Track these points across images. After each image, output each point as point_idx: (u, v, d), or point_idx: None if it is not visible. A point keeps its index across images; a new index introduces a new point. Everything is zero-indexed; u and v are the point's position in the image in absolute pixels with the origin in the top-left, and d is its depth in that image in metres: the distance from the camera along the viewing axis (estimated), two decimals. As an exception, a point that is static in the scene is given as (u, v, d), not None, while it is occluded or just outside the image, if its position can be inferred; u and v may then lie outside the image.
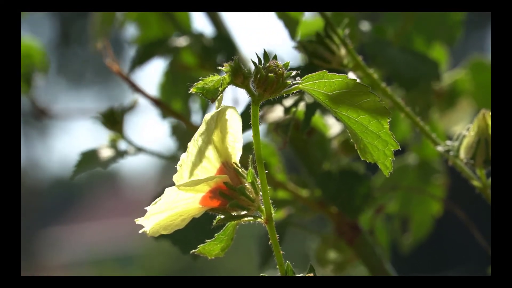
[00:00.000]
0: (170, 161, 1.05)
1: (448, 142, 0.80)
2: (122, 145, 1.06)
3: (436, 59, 1.02)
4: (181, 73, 1.17)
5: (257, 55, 0.66)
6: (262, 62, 0.67)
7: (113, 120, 1.06)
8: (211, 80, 0.66)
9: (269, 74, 0.65)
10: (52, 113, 1.28)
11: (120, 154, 1.04)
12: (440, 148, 0.79)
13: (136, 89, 1.02)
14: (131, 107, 1.07)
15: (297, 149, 1.05)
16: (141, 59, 1.12)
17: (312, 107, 0.82)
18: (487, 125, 0.77)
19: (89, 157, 1.04)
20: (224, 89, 0.66)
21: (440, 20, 1.13)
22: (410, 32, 1.13)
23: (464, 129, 0.79)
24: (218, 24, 1.18)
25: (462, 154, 0.79)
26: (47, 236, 7.41)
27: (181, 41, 1.12)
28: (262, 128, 1.07)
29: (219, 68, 0.66)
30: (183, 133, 1.06)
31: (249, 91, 0.67)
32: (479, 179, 0.79)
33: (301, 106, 0.85)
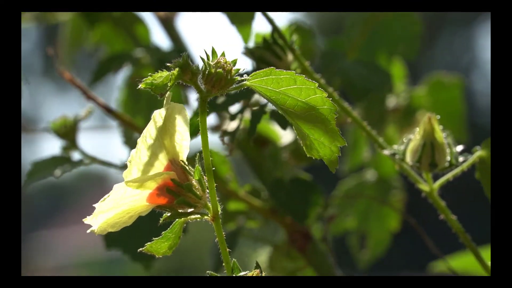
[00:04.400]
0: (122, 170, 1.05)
1: (395, 146, 0.81)
2: (76, 155, 1.06)
3: (390, 72, 1.04)
4: (141, 90, 1.17)
5: (205, 52, 0.67)
6: (211, 58, 0.67)
7: (65, 129, 1.05)
8: (160, 76, 0.66)
9: (218, 70, 0.66)
10: (26, 128, 1.29)
11: (72, 164, 1.03)
12: (386, 152, 0.80)
13: (89, 97, 1.01)
14: (85, 116, 1.07)
15: (249, 158, 1.05)
16: (99, 73, 1.13)
17: (258, 114, 0.83)
18: (432, 128, 0.78)
19: (41, 167, 1.03)
20: (172, 85, 0.66)
21: (398, 33, 1.15)
22: (369, 47, 1.15)
23: (411, 134, 0.80)
24: (174, 38, 1.19)
25: (408, 157, 0.80)
26: (36, 240, 7.32)
27: (137, 55, 1.13)
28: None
29: (168, 64, 0.67)
30: (136, 141, 1.06)
31: (197, 87, 0.67)
32: (426, 183, 0.80)
33: (247, 113, 0.86)
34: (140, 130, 1.02)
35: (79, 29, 1.26)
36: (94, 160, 1.04)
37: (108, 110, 1.03)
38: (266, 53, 0.85)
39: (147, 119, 1.15)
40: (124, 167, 1.06)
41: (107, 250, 1.01)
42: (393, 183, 1.22)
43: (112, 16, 1.18)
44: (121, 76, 1.19)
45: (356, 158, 1.25)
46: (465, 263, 1.14)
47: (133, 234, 0.97)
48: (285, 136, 1.03)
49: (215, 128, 1.07)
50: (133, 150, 0.69)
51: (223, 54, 0.67)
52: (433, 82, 1.26)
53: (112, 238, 1.00)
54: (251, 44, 0.90)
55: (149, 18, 1.21)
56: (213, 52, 0.67)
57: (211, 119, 1.10)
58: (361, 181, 1.25)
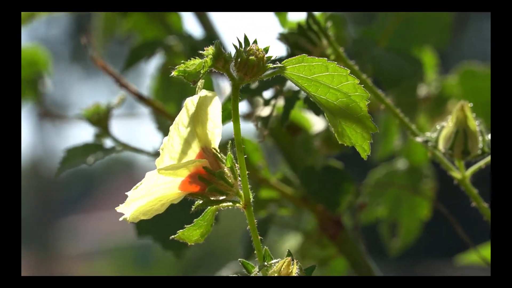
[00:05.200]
0: (155, 158, 1.05)
1: (428, 134, 0.80)
2: (108, 142, 1.06)
3: (422, 60, 1.03)
4: (173, 77, 1.18)
5: (237, 39, 0.67)
6: (243, 46, 0.67)
7: (98, 116, 1.06)
8: (193, 63, 0.66)
9: (250, 57, 0.66)
10: (57, 115, 1.31)
11: (105, 151, 1.04)
12: (419, 139, 0.80)
13: (121, 85, 1.02)
14: (118, 103, 1.07)
15: (281, 146, 1.05)
16: (131, 60, 1.13)
17: (291, 100, 0.83)
18: (465, 116, 0.78)
19: (74, 154, 1.04)
20: (205, 72, 0.66)
21: (430, 24, 1.14)
22: (400, 37, 1.15)
23: (443, 121, 0.80)
24: (207, 26, 1.19)
25: (441, 145, 0.79)
26: (65, 226, 7.40)
27: (170, 42, 1.13)
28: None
29: (200, 52, 0.67)
30: (168, 127, 1.07)
31: (229, 75, 0.67)
32: (458, 170, 0.80)
33: (280, 100, 0.86)
34: (172, 117, 1.03)
35: (112, 17, 1.27)
36: (126, 147, 1.04)
37: (140, 97, 1.04)
38: (300, 39, 0.85)
39: (179, 107, 1.17)
40: (156, 154, 1.06)
41: (138, 238, 1.02)
42: (424, 172, 1.22)
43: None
44: (152, 64, 1.20)
45: (387, 147, 1.24)
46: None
47: (164, 222, 0.97)
48: (317, 124, 1.03)
49: (247, 116, 1.07)
50: (166, 138, 0.69)
51: (255, 42, 0.67)
52: (464, 71, 1.25)
53: (143, 226, 1.01)
54: (285, 30, 0.90)
55: (182, 6, 1.21)
56: (246, 39, 0.67)
57: (243, 106, 1.10)
58: (392, 169, 1.24)
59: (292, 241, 1.09)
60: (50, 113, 1.26)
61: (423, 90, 1.22)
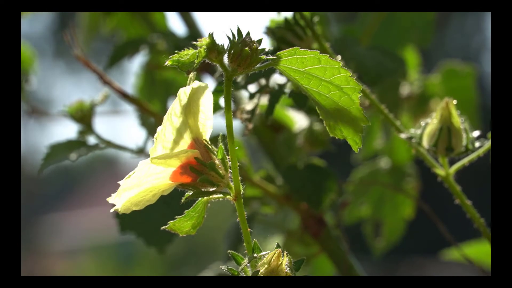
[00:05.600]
0: (138, 155, 1.05)
1: (412, 130, 0.81)
2: (91, 139, 1.06)
3: (404, 58, 1.04)
4: (157, 75, 1.19)
5: (231, 31, 0.68)
6: (236, 37, 0.68)
7: (82, 113, 1.06)
8: (186, 53, 0.67)
9: (244, 48, 0.67)
10: (43, 112, 1.32)
11: (88, 147, 1.04)
12: (403, 136, 0.81)
13: (104, 82, 1.02)
14: (101, 100, 1.07)
15: (264, 144, 1.06)
16: (115, 57, 1.13)
17: (276, 94, 0.84)
18: (449, 113, 0.79)
19: (57, 150, 1.04)
20: (199, 62, 0.67)
21: (412, 21, 1.15)
22: (382, 35, 1.16)
23: (428, 118, 0.81)
24: (190, 24, 1.20)
25: (425, 141, 0.80)
26: (47, 223, 7.32)
27: (153, 40, 1.14)
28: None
29: (194, 43, 0.68)
30: (152, 124, 1.07)
31: (222, 66, 0.68)
32: (442, 167, 0.81)
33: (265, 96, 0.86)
34: (155, 115, 1.03)
35: (96, 14, 1.27)
36: (109, 144, 1.04)
37: (124, 95, 1.04)
38: (287, 33, 0.86)
39: (164, 105, 1.17)
40: (139, 151, 1.07)
41: (121, 234, 1.02)
42: (407, 171, 1.23)
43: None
44: (136, 62, 1.20)
45: (370, 146, 1.26)
46: (479, 251, 1.15)
47: (147, 218, 0.97)
48: (300, 122, 1.04)
49: (238, 112, 1.08)
50: (160, 127, 0.69)
51: (248, 34, 0.68)
52: (446, 70, 1.27)
53: (126, 222, 1.01)
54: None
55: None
56: (239, 31, 0.68)
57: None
58: (375, 168, 1.25)
59: (275, 241, 1.10)
60: (37, 110, 1.26)
61: (405, 89, 1.24)
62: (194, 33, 1.15)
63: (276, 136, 1.06)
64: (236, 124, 1.11)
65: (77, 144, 1.04)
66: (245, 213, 1.05)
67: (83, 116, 1.06)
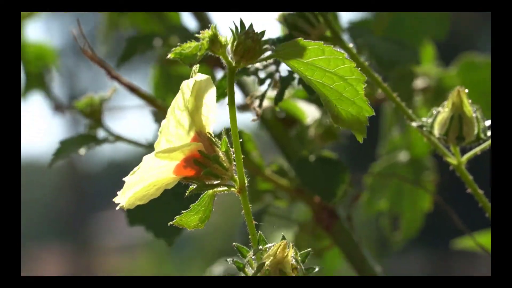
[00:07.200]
0: (148, 150, 1.05)
1: (424, 119, 0.80)
2: (101, 133, 1.07)
3: (418, 48, 1.03)
4: (173, 70, 1.19)
5: (234, 23, 0.67)
6: (239, 29, 0.67)
7: (91, 108, 1.06)
8: (189, 46, 0.66)
9: (247, 40, 0.66)
10: (67, 107, 1.34)
11: (97, 141, 1.04)
12: (414, 124, 0.80)
13: (111, 76, 1.02)
14: (110, 95, 1.07)
15: (276, 137, 1.05)
16: (126, 53, 1.13)
17: (286, 79, 0.83)
18: (461, 101, 0.78)
19: (68, 145, 1.04)
20: (201, 55, 0.66)
21: (426, 14, 1.13)
22: (395, 28, 1.15)
23: (440, 106, 0.80)
24: (204, 20, 1.19)
25: (436, 130, 0.79)
26: (102, 219, 7.39)
27: (165, 35, 1.13)
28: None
29: (197, 35, 0.67)
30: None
31: (225, 59, 0.67)
32: (454, 156, 0.80)
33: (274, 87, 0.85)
34: (165, 109, 1.02)
35: (114, 13, 1.27)
36: (119, 138, 1.04)
37: (132, 89, 1.03)
38: (299, 20, 0.85)
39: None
40: (149, 146, 1.06)
41: (130, 227, 1.01)
42: (426, 164, 1.22)
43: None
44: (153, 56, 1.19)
45: (391, 140, 1.24)
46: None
47: (155, 211, 0.97)
48: (311, 115, 1.03)
49: (242, 107, 1.07)
50: (164, 121, 0.69)
51: (251, 25, 0.67)
52: (464, 63, 1.25)
53: (134, 215, 1.00)
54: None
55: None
56: (242, 23, 0.67)
57: (238, 98, 1.10)
58: (393, 162, 1.24)
59: (288, 234, 1.09)
60: (62, 106, 1.28)
61: (421, 82, 1.22)
62: (205, 27, 1.14)
63: (288, 129, 1.05)
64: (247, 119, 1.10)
65: (87, 139, 1.04)
66: (257, 206, 1.05)
67: (93, 111, 1.06)
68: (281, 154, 1.06)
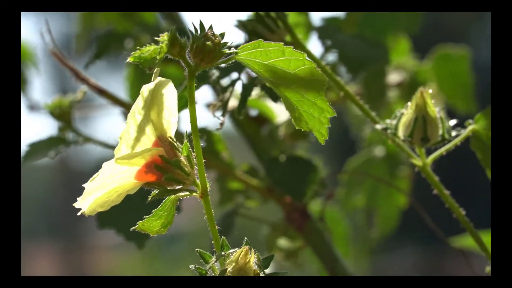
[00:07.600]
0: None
1: (388, 121, 0.79)
2: (71, 135, 1.06)
3: (387, 45, 1.02)
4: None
5: (193, 25, 0.66)
6: (199, 32, 0.66)
7: (61, 110, 1.06)
8: (148, 49, 0.65)
9: (206, 43, 0.65)
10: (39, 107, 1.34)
11: (66, 144, 1.04)
12: (378, 127, 0.79)
13: (80, 78, 1.01)
14: (79, 97, 1.06)
15: (247, 137, 1.04)
16: (98, 52, 1.12)
17: (248, 87, 0.82)
18: (425, 102, 0.77)
19: (37, 148, 1.03)
20: (161, 58, 0.65)
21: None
22: (367, 23, 1.14)
23: (403, 108, 0.79)
24: (174, 18, 1.18)
25: (400, 132, 0.78)
26: (93, 217, 7.38)
27: (137, 34, 1.12)
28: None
29: (156, 38, 0.66)
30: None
31: (185, 61, 0.66)
32: (419, 157, 0.79)
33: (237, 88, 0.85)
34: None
35: (87, 13, 1.26)
36: (89, 140, 1.04)
37: (100, 91, 1.03)
38: (258, 26, 0.84)
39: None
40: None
41: (99, 229, 1.01)
42: (401, 159, 1.21)
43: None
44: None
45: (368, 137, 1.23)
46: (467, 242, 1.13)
47: (125, 213, 0.96)
48: (282, 114, 1.02)
49: (212, 106, 1.06)
50: (123, 126, 0.68)
51: (211, 28, 0.66)
52: (439, 55, 1.24)
53: (104, 218, 1.00)
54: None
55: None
56: (201, 25, 0.66)
57: (209, 96, 1.09)
58: (370, 157, 1.23)
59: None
60: (36, 106, 1.27)
61: (396, 76, 1.22)
62: (179, 27, 1.13)
63: (259, 129, 1.05)
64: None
65: (56, 141, 1.04)
66: (229, 207, 1.04)
67: (62, 113, 1.05)
68: (252, 153, 1.06)
